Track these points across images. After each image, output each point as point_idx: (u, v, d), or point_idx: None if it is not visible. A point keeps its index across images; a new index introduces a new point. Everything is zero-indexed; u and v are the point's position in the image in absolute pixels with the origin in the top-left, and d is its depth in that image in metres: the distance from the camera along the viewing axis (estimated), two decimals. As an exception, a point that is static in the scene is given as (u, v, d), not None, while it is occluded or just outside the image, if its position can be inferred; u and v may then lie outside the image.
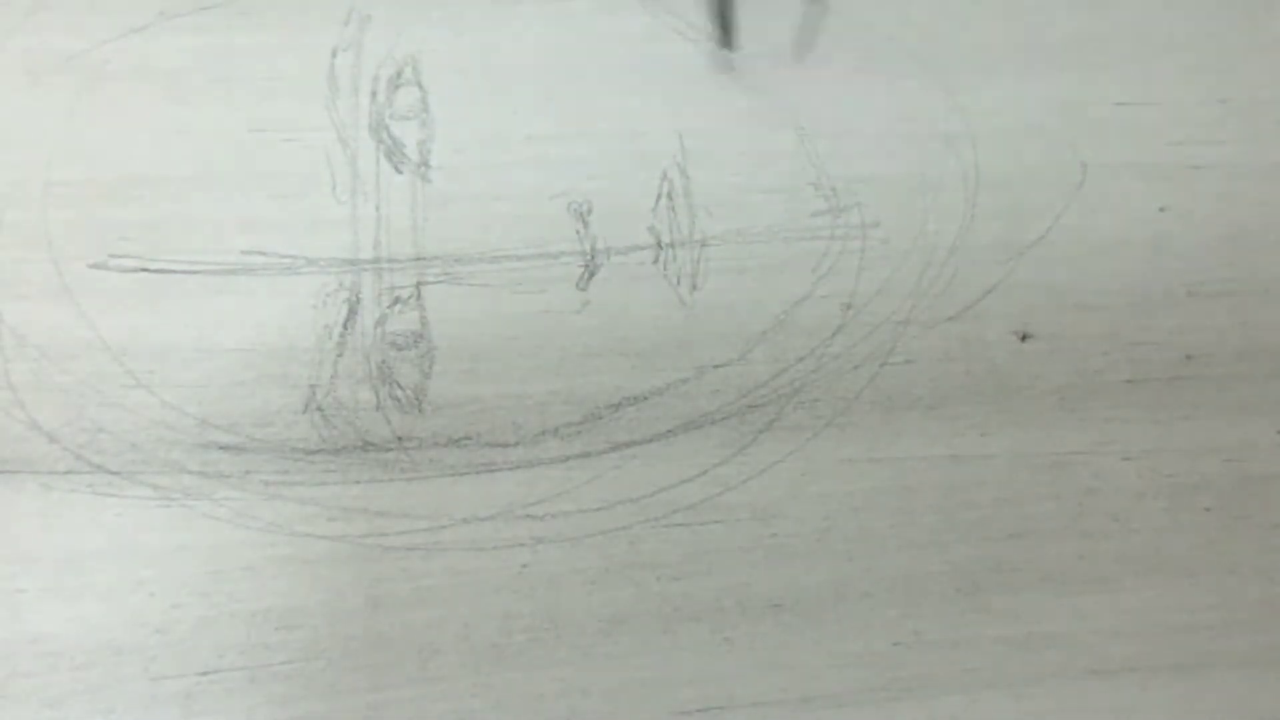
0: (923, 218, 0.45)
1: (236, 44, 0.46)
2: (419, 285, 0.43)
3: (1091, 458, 0.43)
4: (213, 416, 0.41)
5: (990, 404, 0.43)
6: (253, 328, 0.42)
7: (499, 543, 0.40)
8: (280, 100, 0.45)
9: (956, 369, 0.43)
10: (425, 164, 0.45)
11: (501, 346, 0.42)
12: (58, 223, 0.43)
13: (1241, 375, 0.44)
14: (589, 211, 0.44)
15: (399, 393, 0.41)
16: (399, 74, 0.46)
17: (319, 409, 0.41)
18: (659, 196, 0.45)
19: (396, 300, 0.43)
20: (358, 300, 0.42)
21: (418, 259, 0.43)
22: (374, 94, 0.45)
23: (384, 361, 0.42)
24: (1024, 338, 0.44)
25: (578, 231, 0.44)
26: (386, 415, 0.41)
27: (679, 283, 0.44)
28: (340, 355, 0.42)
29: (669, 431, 0.42)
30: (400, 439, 0.41)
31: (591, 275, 0.44)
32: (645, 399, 0.42)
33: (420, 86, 0.46)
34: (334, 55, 0.46)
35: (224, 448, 0.40)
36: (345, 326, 0.42)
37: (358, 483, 0.40)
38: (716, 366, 0.43)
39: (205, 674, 0.38)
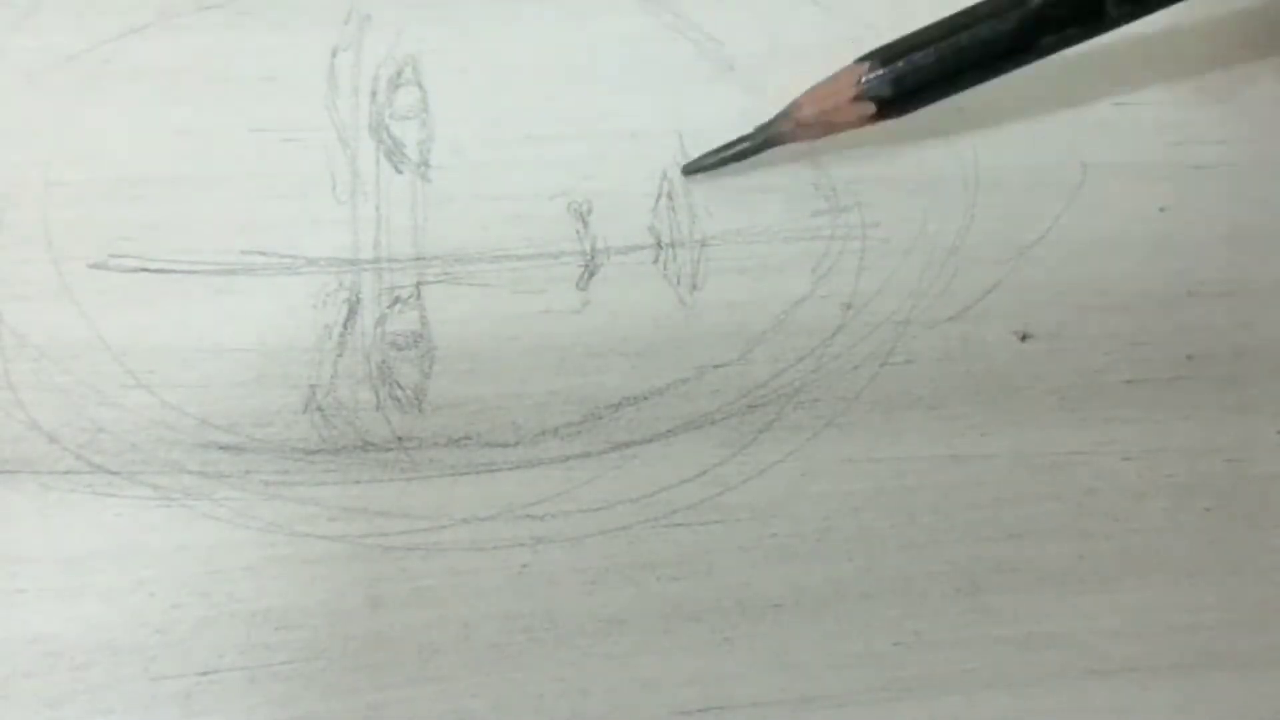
0: (923, 218, 0.45)
1: (236, 44, 0.46)
2: (419, 285, 0.43)
3: (1091, 458, 0.43)
4: (213, 416, 0.41)
5: (990, 404, 0.43)
6: (253, 328, 0.42)
7: (499, 543, 0.40)
8: (280, 100, 0.45)
9: (956, 369, 0.43)
10: (425, 164, 0.45)
11: (501, 346, 0.42)
12: (58, 223, 0.43)
13: (1241, 375, 0.44)
14: (589, 211, 0.44)
15: (399, 393, 0.41)
16: (399, 74, 0.46)
17: (319, 409, 0.41)
18: (659, 196, 0.45)
19: (396, 300, 0.43)
20: (358, 300, 0.42)
21: (418, 259, 0.43)
22: (374, 94, 0.45)
23: (384, 361, 0.42)
24: (1024, 338, 0.44)
25: (578, 231, 0.44)
26: (386, 415, 0.41)
27: (679, 283, 0.44)
28: (340, 355, 0.42)
29: (669, 431, 0.42)
30: (400, 439, 0.41)
31: (591, 275, 0.44)
32: (645, 399, 0.42)
33: (420, 86, 0.46)
34: (334, 55, 0.46)
35: (224, 448, 0.40)
36: (345, 326, 0.42)
37: (358, 483, 0.40)
38: (716, 366, 0.43)
39: (205, 674, 0.38)
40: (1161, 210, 0.46)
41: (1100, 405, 0.43)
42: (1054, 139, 0.47)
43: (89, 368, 0.41)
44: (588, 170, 0.45)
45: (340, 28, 0.46)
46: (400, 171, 0.44)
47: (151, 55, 0.45)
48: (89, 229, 0.43)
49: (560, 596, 0.40)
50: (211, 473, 0.40)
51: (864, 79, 0.42)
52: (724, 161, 0.44)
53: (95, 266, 0.42)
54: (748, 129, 0.44)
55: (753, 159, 0.45)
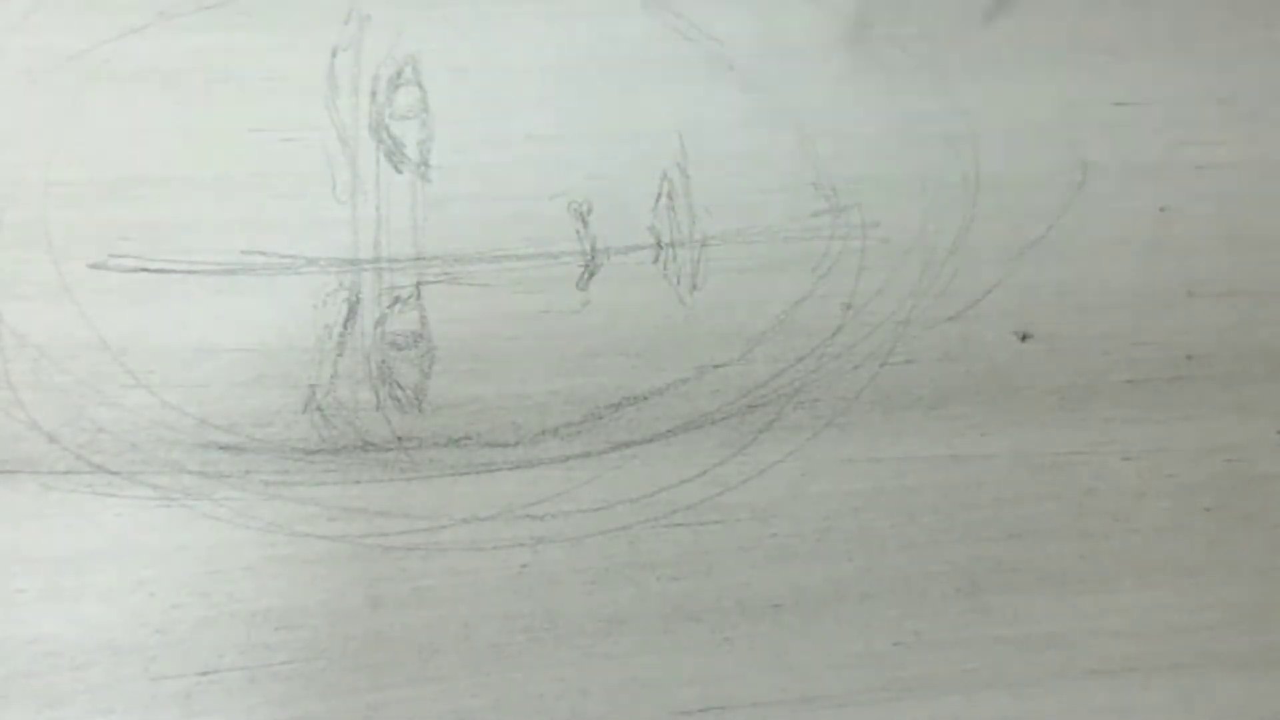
0: (923, 218, 0.45)
1: (236, 44, 0.46)
2: (419, 285, 0.43)
3: (1091, 458, 0.43)
4: (213, 416, 0.41)
5: (990, 404, 0.43)
6: (253, 328, 0.42)
7: (499, 543, 0.40)
8: (280, 100, 0.45)
9: (956, 369, 0.43)
10: (425, 164, 0.45)
11: (501, 346, 0.42)
12: (58, 223, 0.43)
13: (1241, 375, 0.44)
14: (589, 211, 0.44)
15: (399, 393, 0.41)
16: (399, 74, 0.46)
17: (319, 409, 0.41)
18: (659, 196, 0.45)
19: (396, 300, 0.43)
20: (358, 300, 0.42)
21: (418, 259, 0.43)
22: (374, 94, 0.45)
23: (384, 361, 0.42)
24: (1024, 338, 0.44)
25: (578, 231, 0.44)
26: (386, 415, 0.41)
27: (679, 283, 0.44)
28: (340, 355, 0.42)
29: (669, 431, 0.42)
30: (400, 439, 0.41)
31: (591, 275, 0.44)
32: (645, 399, 0.42)
33: (420, 86, 0.46)
34: (334, 55, 0.46)
35: (224, 448, 0.40)
36: (345, 326, 0.42)
37: (358, 483, 0.40)
38: (716, 366, 0.43)
39: (205, 674, 0.38)
40: (1161, 210, 0.46)
41: (1100, 405, 0.43)
42: (1054, 139, 0.47)
43: (89, 368, 0.41)
44: (588, 170, 0.45)
45: (340, 28, 0.46)
46: (400, 171, 0.44)
47: (151, 55, 0.45)
48: (89, 229, 0.43)
49: (560, 596, 0.40)
50: (211, 473, 0.40)
51: None
52: None
53: (95, 266, 0.42)
54: (748, 129, 0.44)
55: (753, 157, 0.45)
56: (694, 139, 0.46)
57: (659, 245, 0.44)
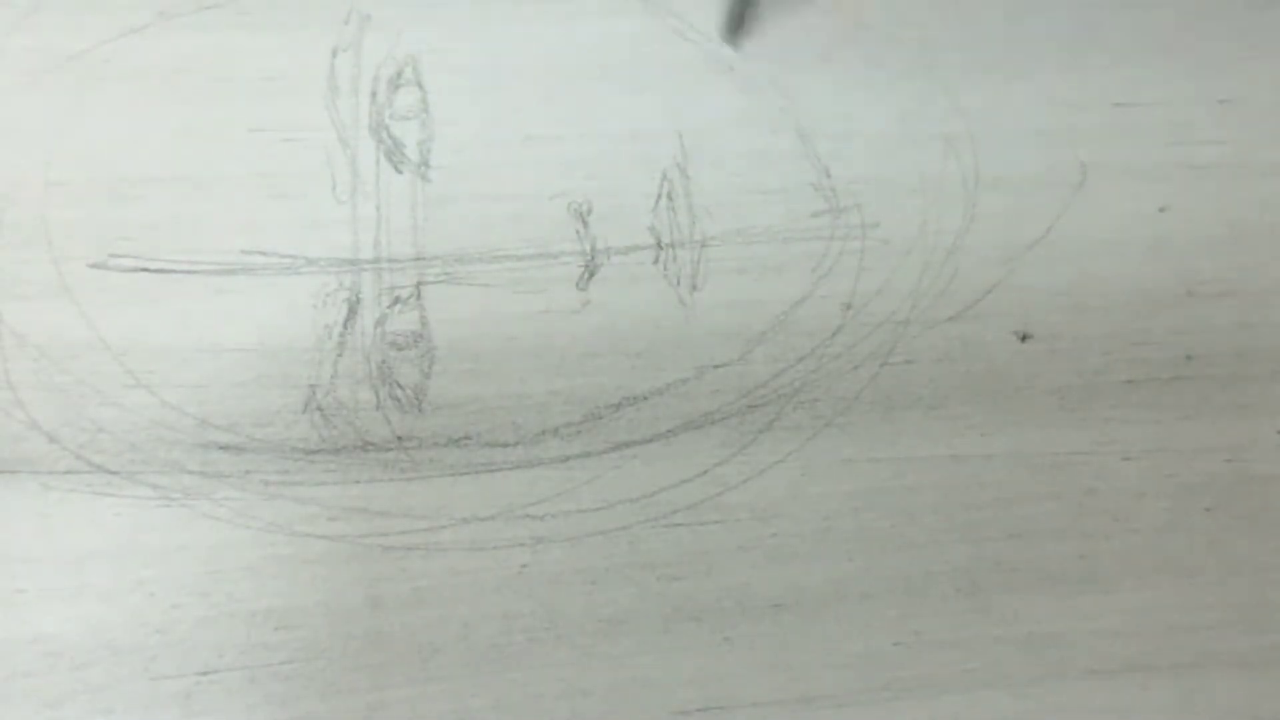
0: (923, 218, 0.45)
1: (236, 44, 0.46)
2: (419, 285, 0.43)
3: (1091, 458, 0.43)
4: (213, 416, 0.41)
5: (990, 404, 0.43)
6: (253, 328, 0.42)
7: (499, 542, 0.40)
8: (280, 100, 0.45)
9: (956, 369, 0.43)
10: (425, 164, 0.45)
11: (501, 346, 0.42)
12: (58, 223, 0.43)
13: (1241, 375, 0.44)
14: (589, 211, 0.44)
15: (399, 393, 0.41)
16: (399, 74, 0.46)
17: (319, 409, 0.41)
18: (659, 197, 0.45)
19: (396, 300, 0.43)
20: (358, 300, 0.42)
21: (418, 259, 0.43)
22: (374, 94, 0.45)
23: (384, 361, 0.42)
24: (1024, 338, 0.44)
25: (578, 231, 0.44)
26: (386, 415, 0.41)
27: (679, 283, 0.44)
28: (340, 355, 0.42)
29: (669, 431, 0.42)
30: (400, 439, 0.41)
31: (591, 275, 0.44)
32: (645, 399, 0.42)
33: (420, 86, 0.46)
34: (334, 55, 0.46)
35: (224, 448, 0.40)
36: (345, 326, 0.42)
37: (358, 483, 0.40)
38: (716, 366, 0.43)
39: (205, 674, 0.38)
40: (1161, 210, 0.46)
41: (1100, 405, 0.43)
42: (1054, 139, 0.47)
43: (89, 368, 0.41)
44: (588, 170, 0.45)
45: (340, 28, 0.46)
46: (400, 171, 0.44)
47: (151, 55, 0.45)
48: (89, 229, 0.43)
49: (560, 596, 0.40)
50: (211, 473, 0.40)
51: None
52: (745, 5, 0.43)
53: (95, 266, 0.42)
54: (748, 129, 0.44)
55: (753, 157, 0.45)
56: (694, 139, 0.46)
57: (659, 245, 0.44)
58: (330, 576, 0.39)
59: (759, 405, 0.42)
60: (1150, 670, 0.41)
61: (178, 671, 0.38)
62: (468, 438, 0.41)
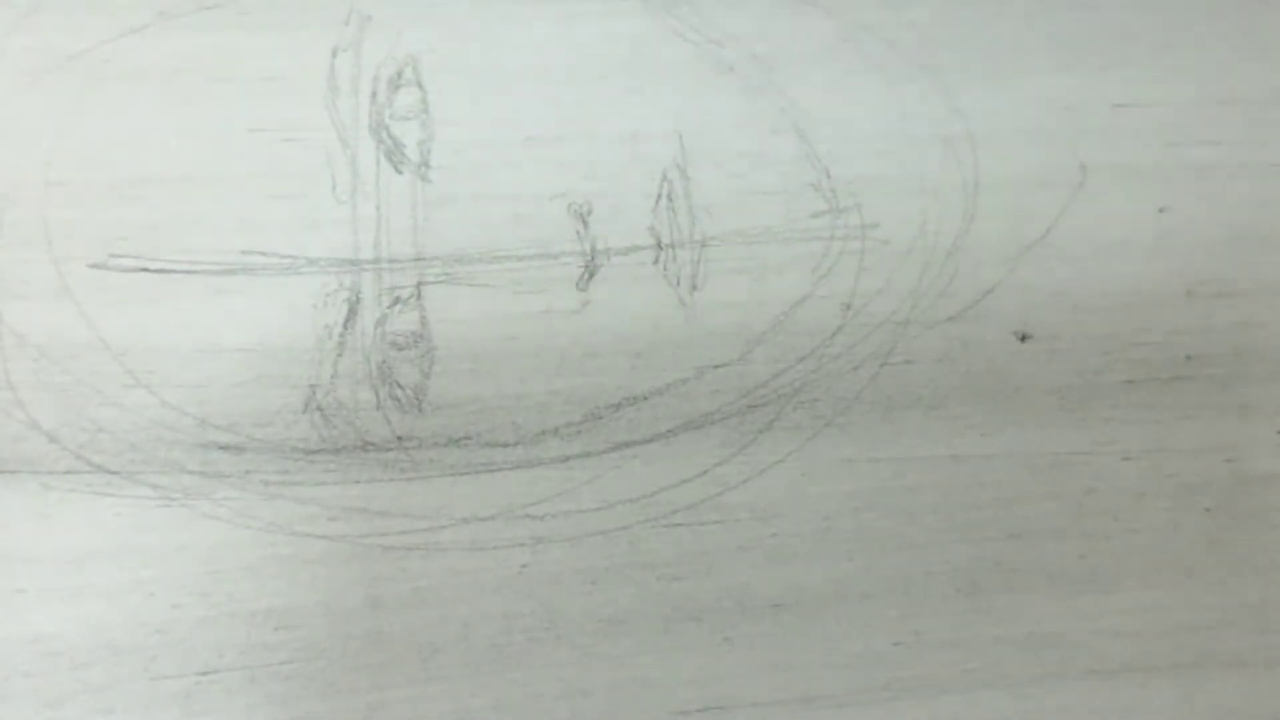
0: (923, 218, 0.45)
1: (236, 44, 0.46)
2: (419, 285, 0.43)
3: (1091, 458, 0.43)
4: (213, 416, 0.41)
5: (990, 404, 0.43)
6: (253, 328, 0.42)
7: (499, 542, 0.40)
8: (280, 100, 0.45)
9: (956, 369, 0.44)
10: (425, 164, 0.45)
11: (501, 346, 0.42)
12: (58, 223, 0.43)
13: (1241, 375, 0.44)
14: (589, 212, 0.44)
15: (399, 393, 0.41)
16: (399, 74, 0.46)
17: (319, 409, 0.41)
18: (659, 197, 0.45)
19: (396, 300, 0.43)
20: (358, 300, 0.42)
21: (418, 259, 0.43)
22: (374, 94, 0.45)
23: (384, 361, 0.42)
24: (1024, 338, 0.44)
25: (578, 232, 0.44)
26: (386, 415, 0.41)
27: (679, 283, 0.44)
28: (340, 355, 0.42)
29: (669, 431, 0.42)
30: (400, 439, 0.41)
31: (591, 275, 0.44)
32: (645, 399, 0.42)
33: (420, 86, 0.46)
34: (334, 55, 0.46)
35: (224, 448, 0.40)
36: (345, 326, 0.42)
37: (358, 483, 0.40)
38: (716, 366, 0.43)
39: (205, 674, 0.38)
40: (1161, 210, 0.46)
41: (1100, 405, 0.43)
42: (1054, 139, 0.47)
43: (89, 368, 0.41)
44: (588, 171, 0.45)
45: (340, 28, 0.46)
46: (400, 172, 0.44)
47: (151, 55, 0.45)
48: (89, 229, 0.43)
49: (560, 596, 0.40)
50: (211, 473, 0.40)
51: None
52: None
53: (95, 266, 0.42)
54: (748, 129, 0.44)
55: (753, 157, 0.45)
56: (694, 139, 0.46)
57: (659, 246, 0.44)
58: (330, 576, 0.39)
59: (759, 405, 0.42)
60: (1150, 670, 0.41)
61: (178, 671, 0.38)
62: (468, 438, 0.41)
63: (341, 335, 0.42)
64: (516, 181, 0.45)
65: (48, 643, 0.38)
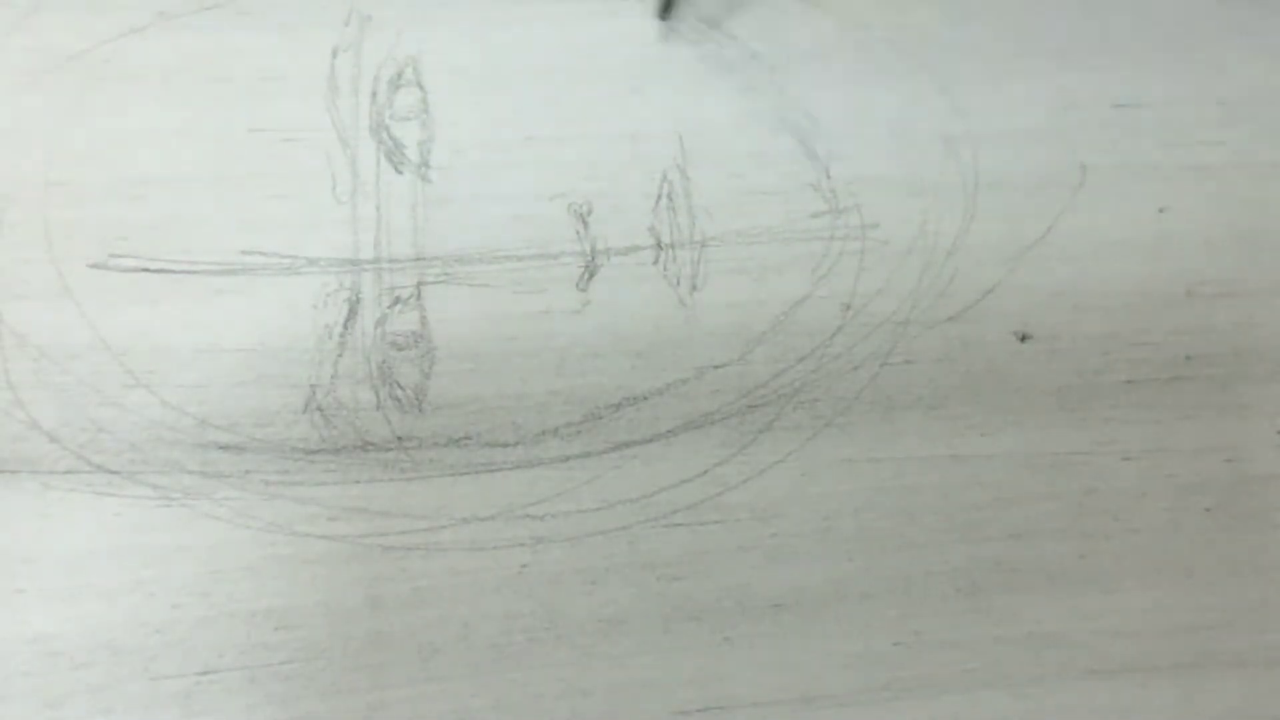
0: (922, 218, 0.45)
1: (236, 44, 0.46)
2: (419, 285, 0.43)
3: (1091, 458, 0.43)
4: (213, 416, 0.41)
5: (990, 404, 0.43)
6: (253, 328, 0.42)
7: (499, 542, 0.40)
8: (280, 100, 0.45)
9: (956, 369, 0.44)
10: (425, 164, 0.45)
11: (501, 346, 0.42)
12: (58, 223, 0.43)
13: (1241, 375, 0.44)
14: (589, 212, 0.44)
15: (399, 393, 0.41)
16: (399, 74, 0.46)
17: (319, 409, 0.41)
18: (659, 197, 0.45)
19: (397, 300, 0.43)
20: (358, 300, 0.42)
21: (418, 259, 0.43)
22: (374, 94, 0.45)
23: (384, 361, 0.42)
24: (1024, 338, 0.44)
25: (578, 232, 0.44)
26: (386, 415, 0.41)
27: (679, 283, 0.44)
28: (340, 355, 0.42)
29: (669, 431, 0.42)
30: (400, 439, 0.41)
31: (591, 275, 0.44)
32: (645, 399, 0.42)
33: (420, 87, 0.46)
34: (334, 55, 0.46)
35: (224, 448, 0.40)
36: (345, 326, 0.42)
37: (358, 482, 0.40)
38: (716, 367, 0.43)
39: (205, 674, 0.38)
40: (1161, 210, 0.46)
41: (1100, 405, 0.43)
42: (1054, 139, 0.47)
43: (89, 368, 0.41)
44: (588, 171, 0.45)
45: (340, 28, 0.46)
46: (400, 172, 0.45)
47: (151, 55, 0.45)
48: (89, 229, 0.43)
49: (560, 596, 0.40)
50: (211, 472, 0.40)
51: None
52: None
53: (95, 266, 0.42)
54: (748, 129, 0.44)
55: (753, 157, 0.45)
56: (694, 139, 0.46)
57: (659, 246, 0.44)
58: (330, 576, 0.39)
59: (759, 405, 0.42)
60: (1150, 670, 0.41)
61: (178, 671, 0.38)
62: (468, 438, 0.41)
63: (341, 335, 0.42)
64: (516, 181, 0.45)
65: (48, 643, 0.38)
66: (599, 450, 0.41)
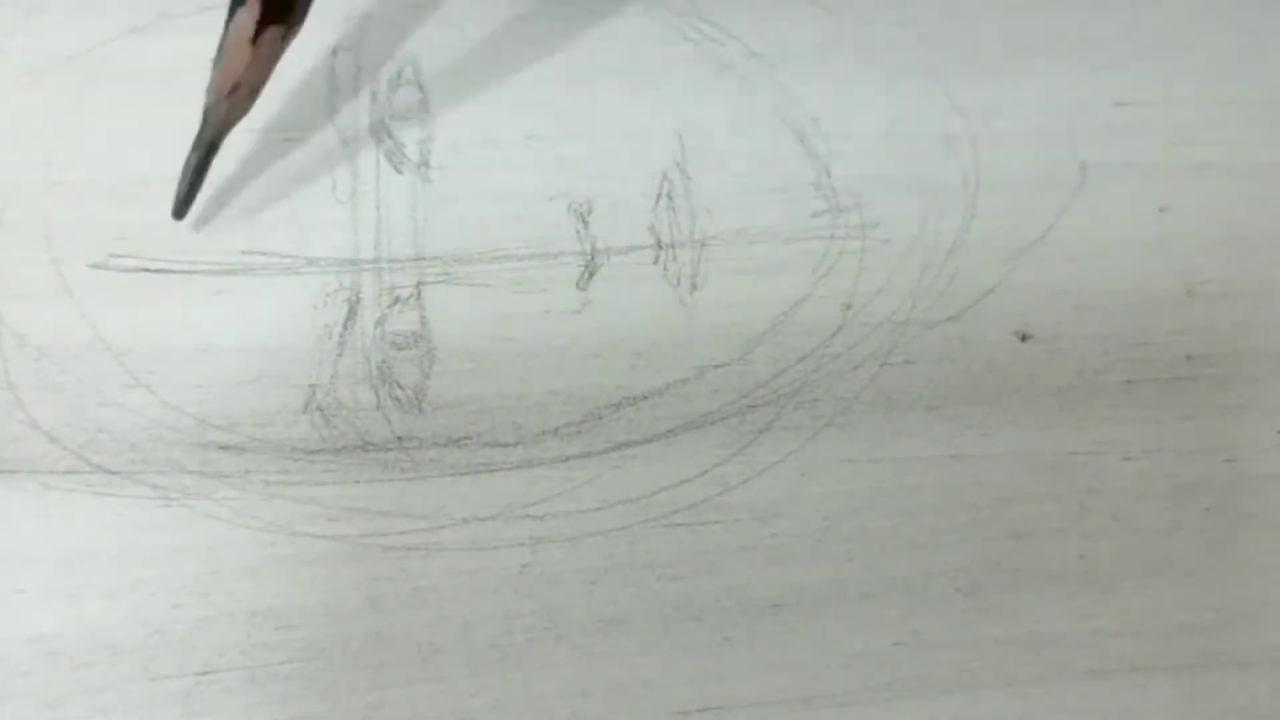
0: (923, 218, 0.45)
1: (236, 44, 0.45)
2: (419, 285, 0.43)
3: (1091, 458, 0.43)
4: (213, 416, 0.41)
5: (990, 404, 0.43)
6: (253, 328, 0.42)
7: (499, 542, 0.40)
8: (280, 100, 0.45)
9: (956, 369, 0.44)
10: (425, 164, 0.45)
11: (501, 346, 0.42)
12: (58, 223, 0.43)
13: (1241, 375, 0.44)
14: (589, 211, 0.44)
15: (399, 392, 0.41)
16: (399, 74, 0.46)
17: (319, 409, 0.41)
18: (659, 196, 0.45)
19: (396, 300, 0.43)
20: (358, 300, 0.42)
21: (418, 259, 0.43)
22: (374, 94, 0.45)
23: (384, 361, 0.42)
24: (1024, 338, 0.44)
25: (578, 231, 0.44)
26: (386, 415, 0.41)
27: (679, 283, 0.44)
28: (340, 355, 0.42)
29: (669, 431, 0.42)
30: (400, 439, 0.41)
31: (591, 275, 0.44)
32: (645, 399, 0.42)
33: (420, 86, 0.46)
34: (334, 55, 0.46)
35: (224, 447, 0.40)
36: (345, 326, 0.42)
37: (358, 482, 0.40)
38: (716, 366, 0.43)
39: (205, 674, 0.38)
40: (1161, 210, 0.46)
41: (1100, 405, 0.43)
42: (1054, 139, 0.47)
43: (89, 368, 0.41)
44: (588, 170, 0.45)
45: (340, 27, 0.46)
46: (400, 171, 0.45)
47: (151, 55, 0.45)
48: (89, 229, 0.43)
49: (560, 596, 0.40)
50: (211, 472, 0.40)
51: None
52: (195, 184, 0.42)
53: (95, 266, 0.42)
54: (748, 129, 0.44)
55: (753, 157, 0.45)
56: (694, 139, 0.46)
57: (659, 245, 0.44)
58: (330, 576, 0.39)
59: (759, 405, 0.42)
60: (1150, 670, 0.41)
61: (177, 671, 0.38)
62: (468, 438, 0.41)
63: (341, 335, 0.42)
64: (516, 181, 0.45)
65: (48, 643, 0.38)
66: (599, 450, 0.41)
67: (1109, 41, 0.48)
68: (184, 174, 0.41)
